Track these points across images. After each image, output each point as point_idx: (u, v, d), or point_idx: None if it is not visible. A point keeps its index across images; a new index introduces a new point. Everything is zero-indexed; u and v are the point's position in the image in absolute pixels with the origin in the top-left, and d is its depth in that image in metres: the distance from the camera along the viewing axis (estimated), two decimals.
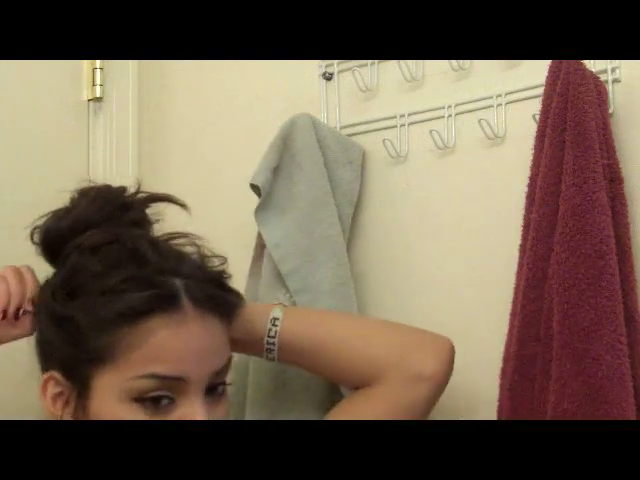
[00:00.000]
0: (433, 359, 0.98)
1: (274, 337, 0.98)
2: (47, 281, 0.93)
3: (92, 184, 0.99)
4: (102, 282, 0.85)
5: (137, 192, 0.99)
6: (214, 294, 0.88)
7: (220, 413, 0.89)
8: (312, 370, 1.02)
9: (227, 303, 0.90)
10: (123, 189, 0.98)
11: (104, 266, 0.87)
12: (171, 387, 0.84)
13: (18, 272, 0.96)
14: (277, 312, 0.99)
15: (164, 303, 0.84)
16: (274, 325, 0.98)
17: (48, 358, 0.90)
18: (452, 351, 1.01)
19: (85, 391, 0.86)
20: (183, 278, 0.86)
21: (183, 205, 0.99)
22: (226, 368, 0.89)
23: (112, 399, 0.85)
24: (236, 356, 1.19)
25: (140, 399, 0.84)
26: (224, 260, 0.94)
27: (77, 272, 0.89)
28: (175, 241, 0.95)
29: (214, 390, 0.88)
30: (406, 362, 0.97)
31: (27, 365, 0.93)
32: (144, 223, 0.97)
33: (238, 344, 0.98)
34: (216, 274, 0.91)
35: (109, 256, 0.88)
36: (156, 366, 0.83)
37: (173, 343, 0.84)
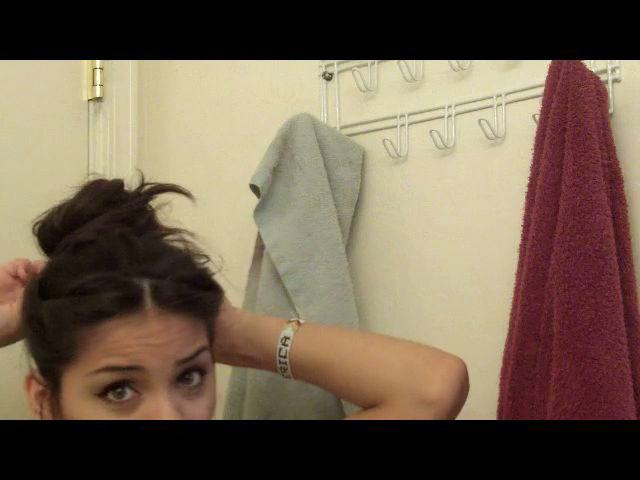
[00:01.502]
0: (439, 382, 0.92)
1: (285, 357, 0.96)
2: (33, 278, 0.93)
3: (91, 178, 0.99)
4: (71, 283, 0.86)
5: (141, 185, 0.98)
6: (186, 294, 0.87)
7: (200, 406, 0.87)
8: (325, 388, 1.00)
9: (201, 302, 0.88)
10: (118, 182, 0.97)
11: (78, 267, 0.87)
12: (130, 379, 0.84)
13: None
14: (288, 331, 0.97)
15: (124, 305, 0.84)
16: (284, 344, 0.96)
17: (30, 355, 0.91)
18: (462, 372, 0.95)
19: (57, 390, 0.88)
20: (153, 278, 0.86)
21: (187, 194, 0.98)
22: (197, 357, 0.87)
23: (77, 397, 0.86)
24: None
25: (101, 394, 0.84)
26: (206, 259, 0.93)
27: (53, 271, 0.89)
28: (166, 237, 0.95)
29: (188, 381, 0.87)
30: (410, 385, 0.92)
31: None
32: (138, 217, 0.95)
33: (253, 361, 0.99)
34: (193, 273, 0.90)
35: (85, 256, 0.89)
36: (111, 359, 0.84)
37: (129, 340, 0.84)
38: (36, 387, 0.91)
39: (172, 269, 0.88)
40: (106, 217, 0.92)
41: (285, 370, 0.97)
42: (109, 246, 0.88)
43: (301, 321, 0.98)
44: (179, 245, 0.94)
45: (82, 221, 0.92)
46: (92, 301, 0.84)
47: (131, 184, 0.98)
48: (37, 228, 0.96)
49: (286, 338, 0.96)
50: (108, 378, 0.84)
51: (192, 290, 0.87)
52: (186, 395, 0.86)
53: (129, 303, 0.84)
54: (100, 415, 0.84)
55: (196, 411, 0.86)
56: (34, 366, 0.91)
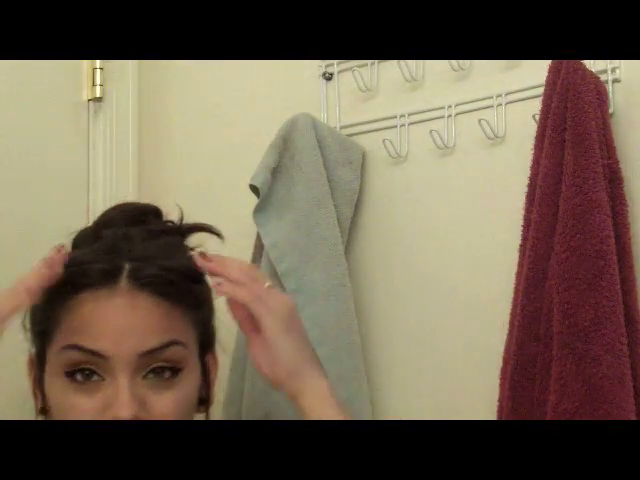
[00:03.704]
0: None
1: None
2: None
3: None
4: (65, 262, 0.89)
5: (180, 220, 0.99)
6: (163, 276, 0.87)
7: (167, 399, 0.86)
8: None
9: (179, 288, 0.88)
10: (157, 208, 0.99)
11: (78, 249, 0.92)
12: (95, 362, 0.85)
13: None
14: None
15: (99, 279, 0.86)
16: None
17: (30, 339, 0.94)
18: None
19: (43, 369, 0.90)
20: (137, 261, 0.88)
21: (219, 235, 0.99)
22: (165, 350, 0.86)
23: (52, 374, 0.88)
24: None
25: (70, 373, 0.86)
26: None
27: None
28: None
29: (159, 374, 0.87)
30: None
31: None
32: (158, 229, 0.96)
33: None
34: (180, 262, 0.90)
35: (86, 245, 0.92)
36: (78, 337, 0.85)
37: (96, 317, 0.85)
38: (33, 371, 0.93)
39: (159, 256, 0.89)
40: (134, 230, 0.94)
41: None
42: (111, 239, 0.91)
43: None
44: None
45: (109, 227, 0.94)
46: (72, 275, 0.87)
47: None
48: (73, 237, 0.97)
49: None
50: (75, 357, 0.85)
51: (172, 276, 0.88)
52: (153, 387, 0.87)
53: (104, 277, 0.86)
54: (67, 394, 0.86)
55: (161, 404, 0.86)
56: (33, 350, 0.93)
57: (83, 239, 0.95)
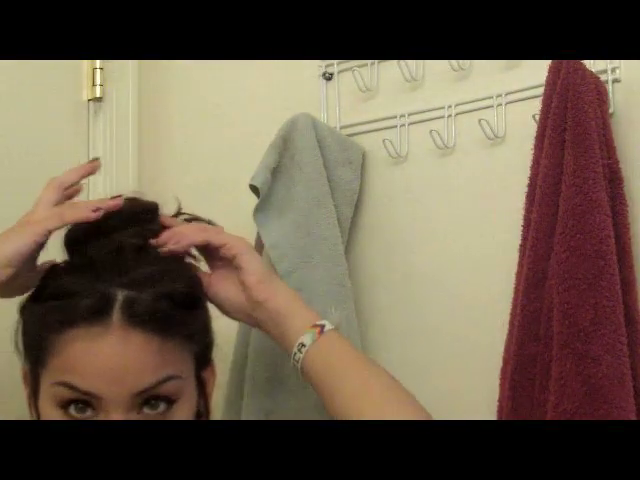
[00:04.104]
0: None
1: (298, 361, 0.93)
2: None
3: (129, 194, 0.97)
4: (51, 288, 0.86)
5: (177, 212, 0.98)
6: (160, 310, 0.84)
7: None
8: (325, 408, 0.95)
9: (176, 321, 0.85)
10: (153, 204, 0.96)
11: (66, 271, 0.88)
12: (87, 400, 0.83)
13: None
14: (307, 338, 0.93)
15: (91, 314, 0.83)
16: (299, 351, 0.92)
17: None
18: None
19: (37, 392, 0.88)
20: (131, 289, 0.84)
21: (210, 222, 0.99)
22: (161, 386, 0.84)
23: (46, 403, 0.86)
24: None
25: (64, 406, 0.84)
26: (195, 281, 0.92)
27: (48, 275, 0.89)
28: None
29: (153, 407, 0.85)
30: None
31: None
32: (153, 232, 0.93)
33: (272, 338, 0.96)
34: (176, 288, 0.86)
35: (75, 263, 0.89)
36: (70, 376, 0.83)
37: (87, 356, 0.82)
38: (27, 386, 0.91)
39: (154, 280, 0.85)
40: (127, 232, 0.91)
41: (296, 368, 0.94)
42: (99, 254, 0.87)
43: (326, 328, 0.93)
44: (177, 257, 0.93)
45: (103, 234, 0.90)
46: (62, 308, 0.83)
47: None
48: (64, 235, 0.94)
49: (302, 345, 0.92)
50: (67, 394, 0.83)
51: (168, 307, 0.84)
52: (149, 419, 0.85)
53: (96, 312, 0.83)
54: None
55: None
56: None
57: (73, 245, 0.92)
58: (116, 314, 0.83)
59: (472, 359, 1.14)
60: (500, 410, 1.05)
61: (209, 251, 0.97)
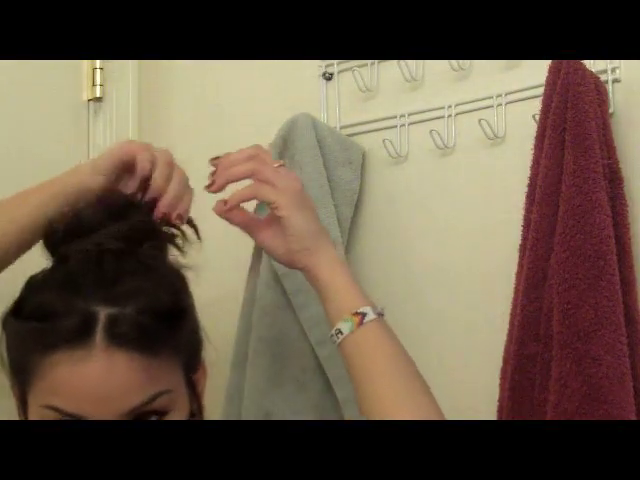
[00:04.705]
0: None
1: (334, 342, 0.92)
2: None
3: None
4: (31, 305, 0.83)
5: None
6: (144, 329, 0.81)
7: None
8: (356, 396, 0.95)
9: (160, 337, 0.82)
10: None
11: (45, 285, 0.84)
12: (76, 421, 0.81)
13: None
14: (345, 327, 0.91)
15: (72, 337, 0.80)
16: (337, 335, 0.91)
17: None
18: None
19: (25, 409, 0.85)
20: (113, 306, 0.81)
21: (196, 229, 0.97)
22: (151, 403, 0.82)
23: (34, 418, 0.84)
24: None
25: None
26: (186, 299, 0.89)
27: (27, 287, 0.86)
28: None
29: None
30: None
31: None
32: (145, 236, 0.89)
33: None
34: (161, 302, 0.83)
35: (56, 274, 0.85)
36: (57, 400, 0.81)
37: (71, 380, 0.80)
38: (16, 397, 0.88)
39: (136, 295, 0.82)
40: (109, 231, 0.87)
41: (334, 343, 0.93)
42: (79, 266, 0.83)
43: (366, 318, 0.91)
44: (163, 264, 0.89)
45: (84, 231, 0.87)
46: (43, 331, 0.80)
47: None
48: (44, 230, 0.90)
49: (340, 332, 0.91)
50: (54, 416, 0.81)
51: (152, 323, 0.81)
52: None
53: (78, 335, 0.80)
54: None
55: None
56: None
57: (53, 242, 0.88)
58: (99, 335, 0.80)
59: (472, 359, 1.14)
60: (500, 410, 1.05)
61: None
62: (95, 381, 0.80)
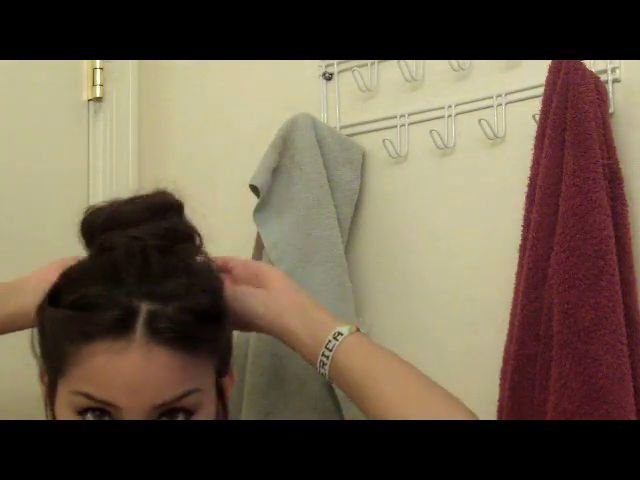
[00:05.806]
0: None
1: (331, 350, 0.91)
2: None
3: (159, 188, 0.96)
4: (72, 294, 0.84)
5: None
6: (184, 326, 0.82)
7: None
8: (350, 399, 0.94)
9: (200, 338, 0.84)
10: (179, 202, 0.94)
11: (86, 276, 0.85)
12: (106, 409, 0.82)
13: None
14: (344, 329, 0.92)
15: (113, 329, 0.81)
16: (335, 339, 0.91)
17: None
18: None
19: (53, 396, 0.87)
20: (155, 302, 0.82)
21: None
22: (181, 400, 0.83)
23: (63, 409, 0.85)
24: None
25: (81, 412, 0.83)
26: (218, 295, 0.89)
27: (66, 277, 0.87)
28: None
29: (172, 417, 0.84)
30: None
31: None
32: (182, 236, 0.91)
33: (294, 341, 0.95)
34: (201, 302, 0.84)
35: (98, 265, 0.86)
36: (90, 387, 0.82)
37: (107, 369, 0.81)
38: (45, 385, 0.90)
39: (179, 293, 0.83)
40: (148, 228, 0.88)
41: (324, 365, 0.92)
42: (123, 259, 0.85)
43: (354, 329, 0.93)
44: (204, 266, 0.91)
45: (123, 224, 0.89)
46: (84, 320, 0.82)
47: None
48: (80, 219, 0.92)
49: (339, 334, 0.91)
50: (85, 403, 0.82)
51: (193, 323, 0.83)
52: None
53: (118, 327, 0.81)
54: None
55: None
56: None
57: (91, 232, 0.90)
58: (139, 329, 0.81)
59: (472, 359, 1.14)
60: (500, 410, 1.05)
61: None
62: (131, 372, 0.81)
